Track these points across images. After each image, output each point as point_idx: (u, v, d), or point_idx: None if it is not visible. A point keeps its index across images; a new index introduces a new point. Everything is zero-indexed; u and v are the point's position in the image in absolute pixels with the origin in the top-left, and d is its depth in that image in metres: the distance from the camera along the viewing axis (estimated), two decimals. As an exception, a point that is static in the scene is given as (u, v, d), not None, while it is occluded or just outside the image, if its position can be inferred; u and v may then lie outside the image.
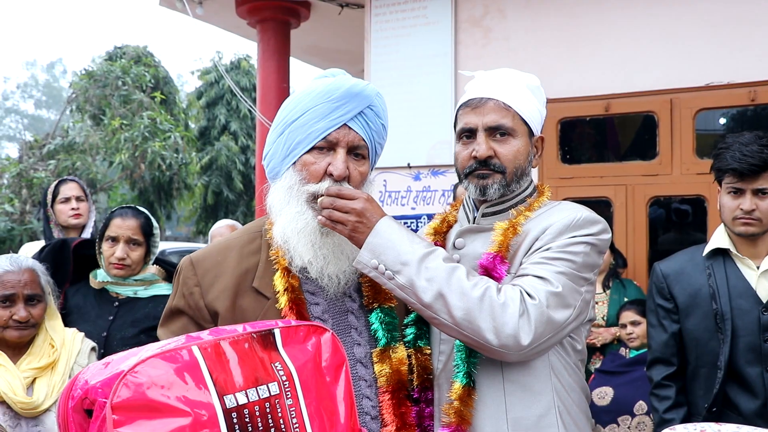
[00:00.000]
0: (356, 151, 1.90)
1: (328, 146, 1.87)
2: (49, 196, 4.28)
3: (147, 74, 16.51)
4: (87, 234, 4.25)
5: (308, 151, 1.87)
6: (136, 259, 3.29)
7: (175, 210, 23.65)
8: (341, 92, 1.86)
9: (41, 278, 2.81)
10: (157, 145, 15.36)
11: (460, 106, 2.09)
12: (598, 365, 4.64)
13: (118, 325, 3.22)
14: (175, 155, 16.50)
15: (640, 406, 4.13)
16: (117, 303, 3.28)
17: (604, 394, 4.29)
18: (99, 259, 3.33)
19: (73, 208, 4.21)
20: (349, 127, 1.87)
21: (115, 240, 3.26)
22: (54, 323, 2.87)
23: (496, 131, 2.00)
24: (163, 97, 17.53)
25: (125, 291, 3.31)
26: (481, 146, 1.99)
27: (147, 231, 3.34)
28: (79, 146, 15.45)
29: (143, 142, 15.17)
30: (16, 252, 4.36)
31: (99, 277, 3.33)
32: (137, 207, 3.48)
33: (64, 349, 2.81)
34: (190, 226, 27.72)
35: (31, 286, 2.74)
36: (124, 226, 3.27)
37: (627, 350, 4.53)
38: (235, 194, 25.09)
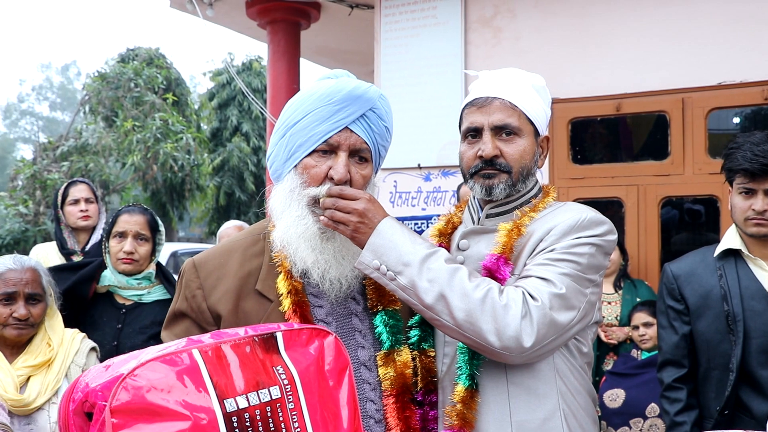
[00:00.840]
0: (359, 154, 1.88)
1: (329, 149, 1.85)
2: (59, 198, 4.32)
3: (159, 76, 16.61)
4: (97, 235, 4.28)
5: (309, 154, 1.85)
6: (144, 254, 3.35)
7: (187, 211, 23.76)
8: (343, 95, 1.84)
9: (43, 278, 2.83)
10: (169, 146, 15.45)
11: (465, 106, 2.07)
12: (611, 366, 4.61)
13: (127, 333, 3.25)
14: (187, 156, 16.58)
15: (652, 408, 4.09)
16: (124, 310, 3.32)
17: (615, 396, 4.25)
18: (105, 259, 3.36)
19: (81, 210, 4.25)
20: (351, 130, 1.85)
21: (123, 235, 3.33)
22: (53, 323, 2.88)
23: (502, 130, 1.98)
24: (175, 98, 17.62)
25: (130, 295, 3.34)
26: (487, 145, 1.97)
27: (153, 226, 3.41)
28: (92, 148, 15.55)
29: (155, 143, 15.26)
30: (28, 254, 4.39)
31: (104, 281, 3.36)
32: (143, 205, 3.55)
33: (62, 349, 2.82)
34: (203, 227, 27.83)
35: (33, 286, 2.77)
36: (131, 221, 3.35)
37: (639, 352, 4.49)
38: (247, 195, 25.16)
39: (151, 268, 3.42)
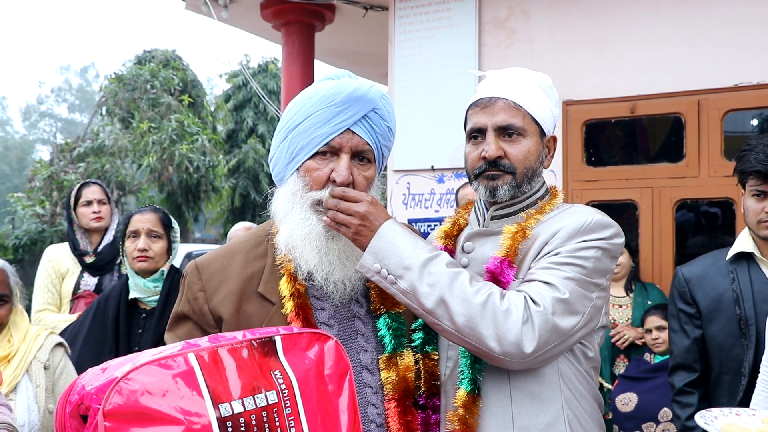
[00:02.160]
0: (361, 155, 1.86)
1: (331, 151, 1.83)
2: (72, 199, 4.35)
3: (175, 77, 16.71)
4: (109, 236, 4.31)
5: (311, 157, 1.84)
6: (159, 251, 3.38)
7: (202, 212, 23.84)
8: (343, 96, 1.82)
9: (10, 279, 2.83)
10: (185, 147, 15.52)
11: (470, 106, 2.06)
12: (622, 368, 4.56)
13: (146, 339, 3.28)
14: (203, 158, 16.66)
15: (665, 412, 4.04)
16: (144, 315, 3.35)
17: (627, 400, 4.21)
18: (123, 262, 3.39)
19: (94, 212, 4.27)
20: (353, 132, 1.83)
21: (136, 234, 3.37)
22: (17, 320, 2.87)
23: (505, 131, 1.96)
24: (191, 100, 17.71)
25: (149, 300, 3.37)
26: (491, 146, 1.94)
27: (166, 223, 3.46)
28: (108, 149, 15.67)
29: (171, 144, 15.34)
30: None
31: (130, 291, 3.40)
32: (155, 205, 3.62)
33: (23, 345, 2.80)
34: (218, 228, 27.91)
35: (0, 287, 2.76)
36: (143, 219, 3.41)
37: (652, 356, 4.44)
38: (262, 197, 25.18)
39: (166, 267, 3.44)
